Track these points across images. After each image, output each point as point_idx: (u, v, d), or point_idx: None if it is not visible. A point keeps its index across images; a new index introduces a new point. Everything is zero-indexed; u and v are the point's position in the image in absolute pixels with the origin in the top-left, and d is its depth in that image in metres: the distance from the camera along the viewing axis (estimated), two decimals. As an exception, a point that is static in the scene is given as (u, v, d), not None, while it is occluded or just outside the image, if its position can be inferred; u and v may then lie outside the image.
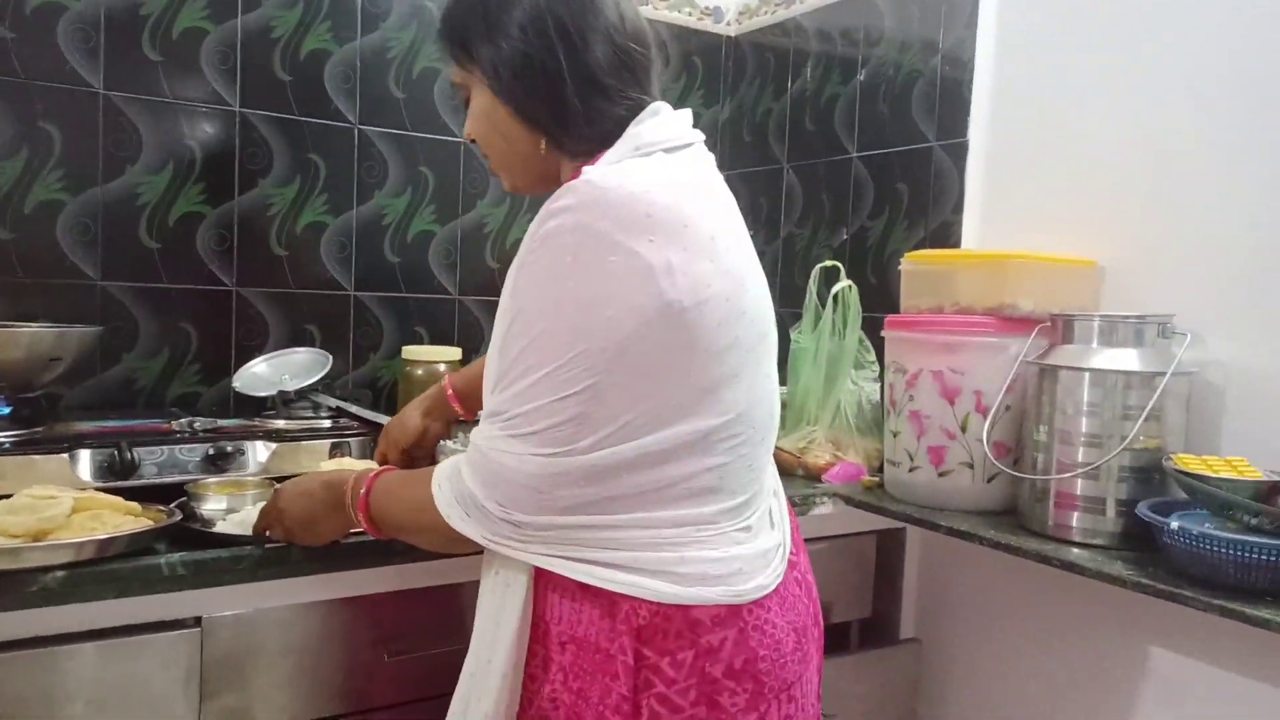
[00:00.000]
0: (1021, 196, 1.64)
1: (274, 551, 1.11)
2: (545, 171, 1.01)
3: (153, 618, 1.09)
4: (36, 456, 1.23)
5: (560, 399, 0.86)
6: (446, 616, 1.28)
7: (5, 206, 1.55)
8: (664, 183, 0.90)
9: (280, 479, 1.38)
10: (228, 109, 1.71)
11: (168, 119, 1.67)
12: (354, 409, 1.57)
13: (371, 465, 1.30)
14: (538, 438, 0.87)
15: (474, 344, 1.97)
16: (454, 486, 0.93)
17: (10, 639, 1.02)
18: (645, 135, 0.95)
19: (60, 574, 1.00)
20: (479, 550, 0.96)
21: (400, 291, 1.91)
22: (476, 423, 1.18)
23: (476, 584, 1.19)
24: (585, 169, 0.91)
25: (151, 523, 1.11)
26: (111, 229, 1.63)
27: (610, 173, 0.89)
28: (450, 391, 1.32)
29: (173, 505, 1.18)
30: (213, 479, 1.30)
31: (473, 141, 1.05)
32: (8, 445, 1.26)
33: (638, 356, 0.85)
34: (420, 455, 1.33)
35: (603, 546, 0.89)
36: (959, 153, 1.71)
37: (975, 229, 1.70)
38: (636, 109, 0.98)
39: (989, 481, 1.44)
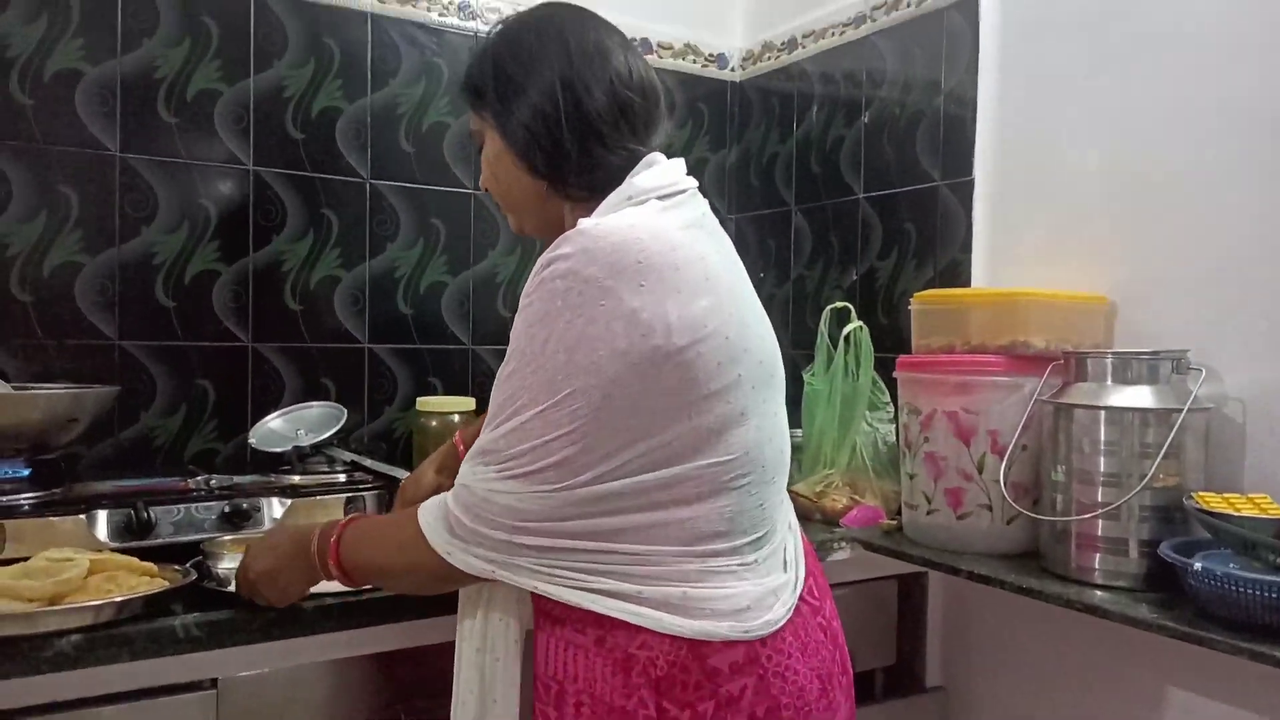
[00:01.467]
0: (1029, 233, 1.64)
1: (287, 610, 1.10)
2: (549, 216, 1.04)
3: (169, 680, 1.09)
4: (54, 518, 1.24)
5: (549, 440, 0.87)
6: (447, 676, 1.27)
7: (25, 269, 1.57)
8: (656, 228, 0.91)
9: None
10: (241, 168, 1.74)
11: (183, 179, 1.69)
12: (369, 463, 1.57)
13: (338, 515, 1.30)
14: (529, 478, 0.88)
15: (488, 393, 1.95)
16: (444, 521, 0.94)
17: (26, 705, 1.01)
18: (638, 184, 0.97)
19: (76, 638, 1.00)
20: (462, 584, 0.98)
21: (414, 343, 1.92)
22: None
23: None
24: (580, 220, 0.92)
25: (167, 583, 1.11)
26: (129, 288, 1.65)
27: (603, 221, 0.91)
28: (461, 447, 1.32)
29: (189, 565, 1.18)
30: (227, 537, 1.30)
31: (487, 190, 1.09)
32: (26, 507, 1.27)
33: (626, 400, 0.86)
34: None
35: (606, 574, 0.89)
36: (965, 191, 1.71)
37: (984, 267, 1.70)
38: (633, 159, 1.00)
39: (1009, 523, 1.42)
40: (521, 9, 1.07)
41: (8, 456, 1.33)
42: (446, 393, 1.93)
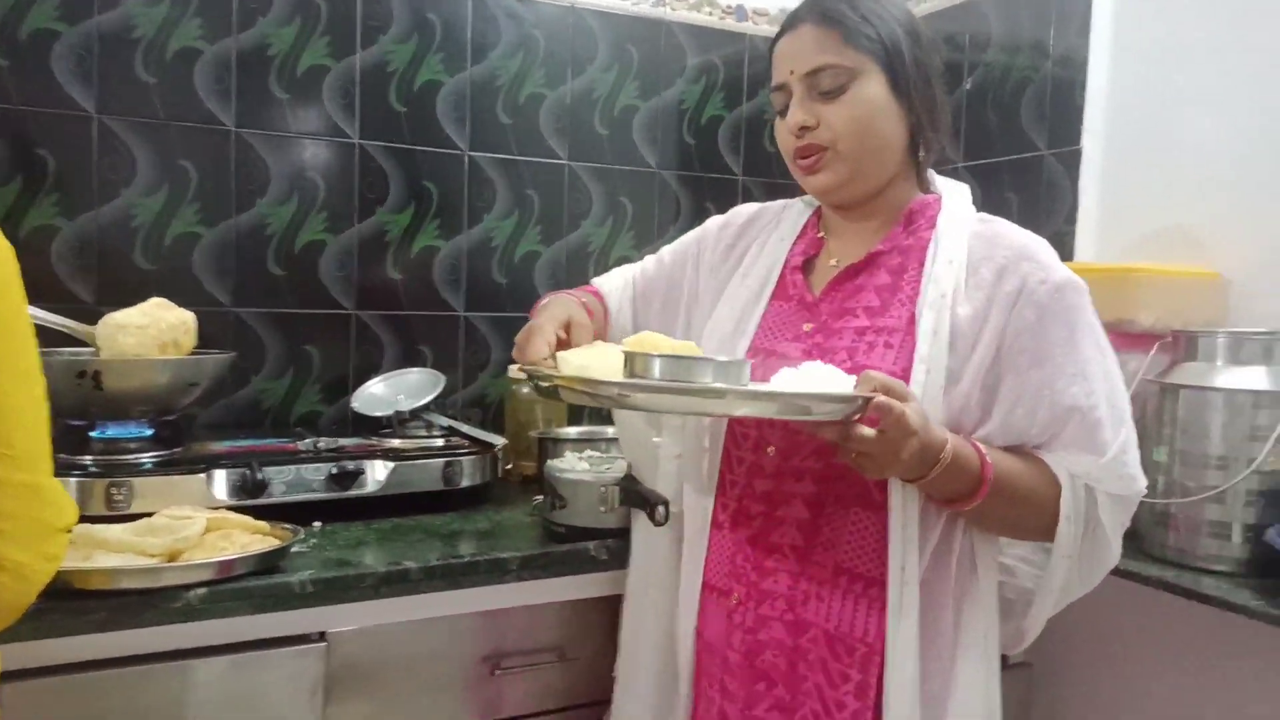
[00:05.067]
0: (1138, 207, 1.58)
1: (396, 571, 1.16)
2: (888, 179, 1.08)
3: (281, 632, 1.16)
4: (175, 476, 1.32)
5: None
6: (547, 632, 1.32)
7: (148, 240, 1.67)
8: None
9: (399, 497, 1.44)
10: (347, 141, 1.80)
11: (293, 153, 1.76)
12: (465, 428, 1.63)
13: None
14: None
15: (579, 361, 2.00)
16: (1090, 511, 1.01)
17: (151, 652, 1.09)
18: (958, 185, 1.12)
19: (202, 591, 1.08)
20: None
21: (507, 311, 1.96)
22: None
23: (576, 602, 1.22)
24: (1027, 236, 1.03)
25: (278, 541, 1.18)
26: (243, 258, 1.74)
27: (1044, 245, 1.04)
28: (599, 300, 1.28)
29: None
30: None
31: (804, 129, 1.04)
32: (149, 465, 1.35)
33: None
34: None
35: None
36: (1072, 161, 1.66)
37: (1090, 240, 1.65)
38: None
39: (1106, 504, 1.39)
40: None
41: (134, 417, 1.42)
42: (540, 361, 1.97)
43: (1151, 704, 1.53)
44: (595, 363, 0.96)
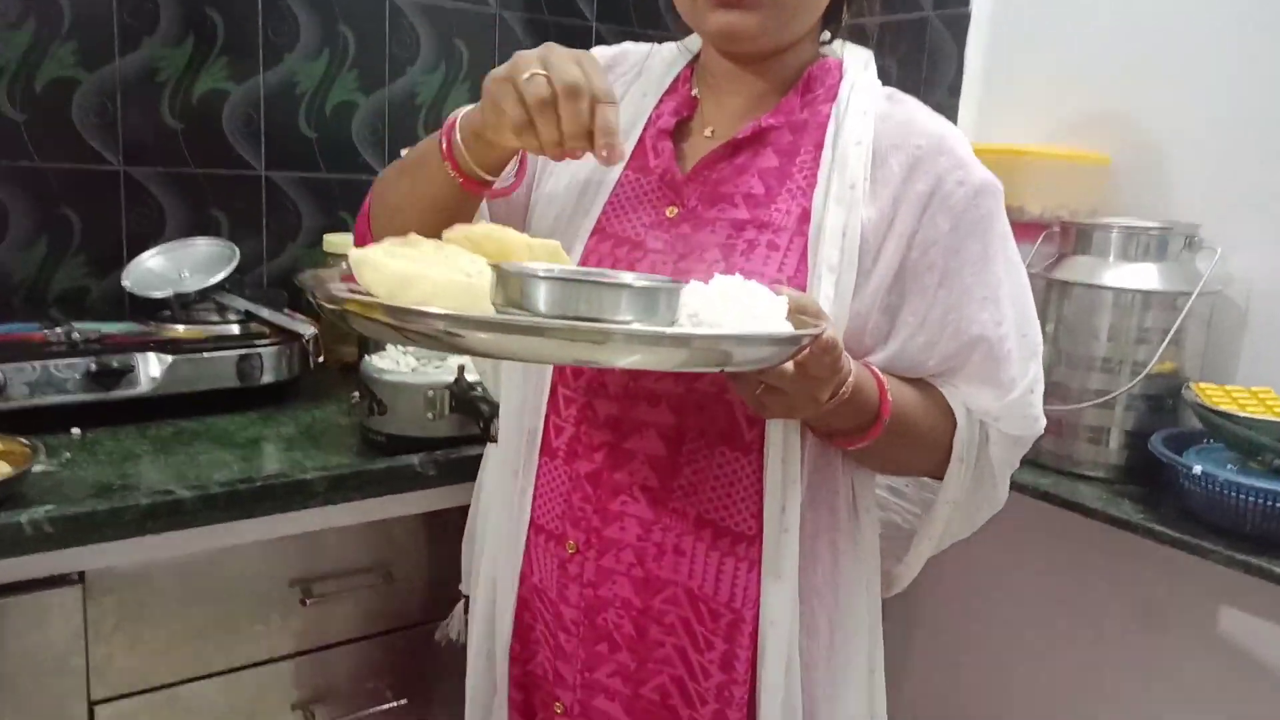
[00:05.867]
0: (1027, 80, 1.46)
1: (164, 503, 0.94)
2: (798, 36, 0.85)
3: (22, 576, 0.92)
4: (-126, 378, 1.03)
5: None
6: (370, 550, 1.15)
7: None
8: None
9: (184, 397, 1.20)
10: (101, -52, 1.43)
11: (26, -41, 1.38)
12: (266, 313, 1.37)
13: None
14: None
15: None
16: (980, 450, 0.86)
17: None
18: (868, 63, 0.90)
19: (-111, 540, 0.82)
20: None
21: (320, 171, 1.67)
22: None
23: (396, 520, 1.04)
24: (945, 128, 0.83)
25: (7, 468, 0.92)
26: (-37, 95, 1.37)
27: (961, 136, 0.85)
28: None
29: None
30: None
31: None
32: None
33: None
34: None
35: None
36: (959, 25, 1.51)
37: (973, 115, 1.52)
38: None
39: (980, 404, 1.31)
40: None
41: None
42: (359, 231, 1.70)
43: (1003, 606, 1.51)
44: (424, 274, 0.63)
